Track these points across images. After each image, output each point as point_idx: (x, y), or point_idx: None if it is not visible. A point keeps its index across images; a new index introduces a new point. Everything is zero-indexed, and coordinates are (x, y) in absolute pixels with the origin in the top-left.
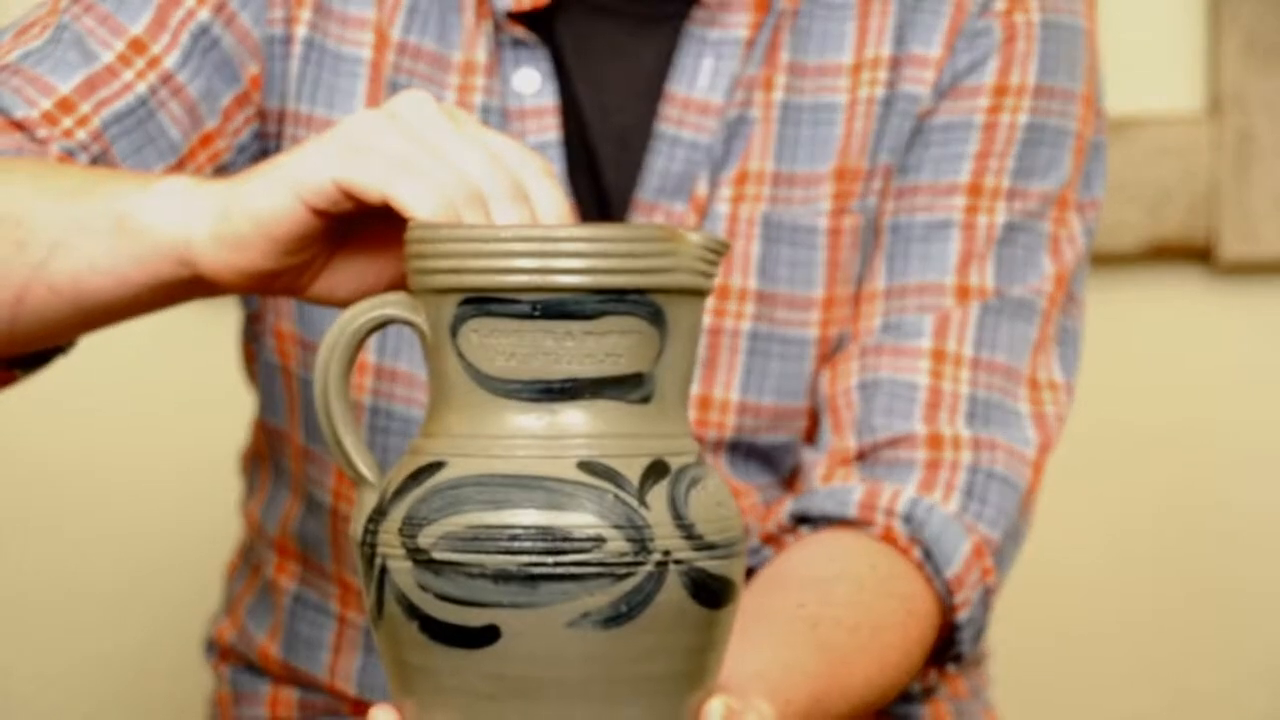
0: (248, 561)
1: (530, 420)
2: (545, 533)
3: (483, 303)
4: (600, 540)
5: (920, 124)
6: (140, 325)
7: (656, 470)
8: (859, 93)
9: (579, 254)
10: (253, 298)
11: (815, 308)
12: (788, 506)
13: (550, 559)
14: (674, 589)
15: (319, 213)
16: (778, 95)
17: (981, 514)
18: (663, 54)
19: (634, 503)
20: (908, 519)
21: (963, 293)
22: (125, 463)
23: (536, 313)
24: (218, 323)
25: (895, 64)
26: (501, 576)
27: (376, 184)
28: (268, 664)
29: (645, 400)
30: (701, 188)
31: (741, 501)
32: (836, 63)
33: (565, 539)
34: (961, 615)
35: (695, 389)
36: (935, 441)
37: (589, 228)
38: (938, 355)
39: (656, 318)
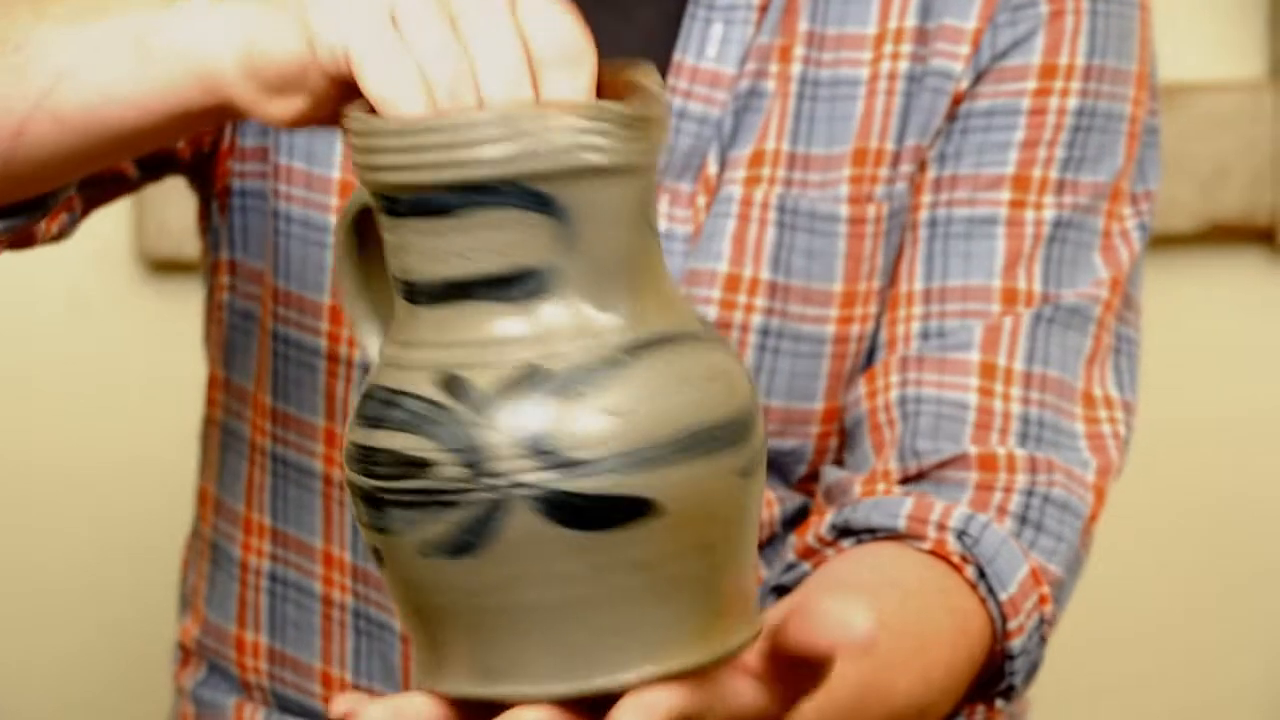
0: (200, 547)
1: (411, 328)
2: (391, 456)
3: (381, 199)
4: (428, 465)
5: (958, 109)
6: (101, 310)
7: (522, 380)
8: (880, 66)
9: (436, 146)
10: (216, 245)
11: (833, 302)
12: (828, 518)
13: (393, 484)
14: (523, 514)
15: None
16: (795, 68)
17: (1036, 541)
18: (668, 19)
19: (475, 420)
20: (961, 534)
21: (1009, 297)
22: (87, 453)
23: (402, 210)
24: (182, 302)
25: (922, 36)
26: (367, 500)
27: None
28: (245, 657)
29: (537, 297)
30: (711, 166)
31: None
32: (858, 33)
33: (406, 463)
34: (1015, 643)
35: None
36: (988, 462)
37: (450, 114)
38: (986, 370)
39: (545, 205)
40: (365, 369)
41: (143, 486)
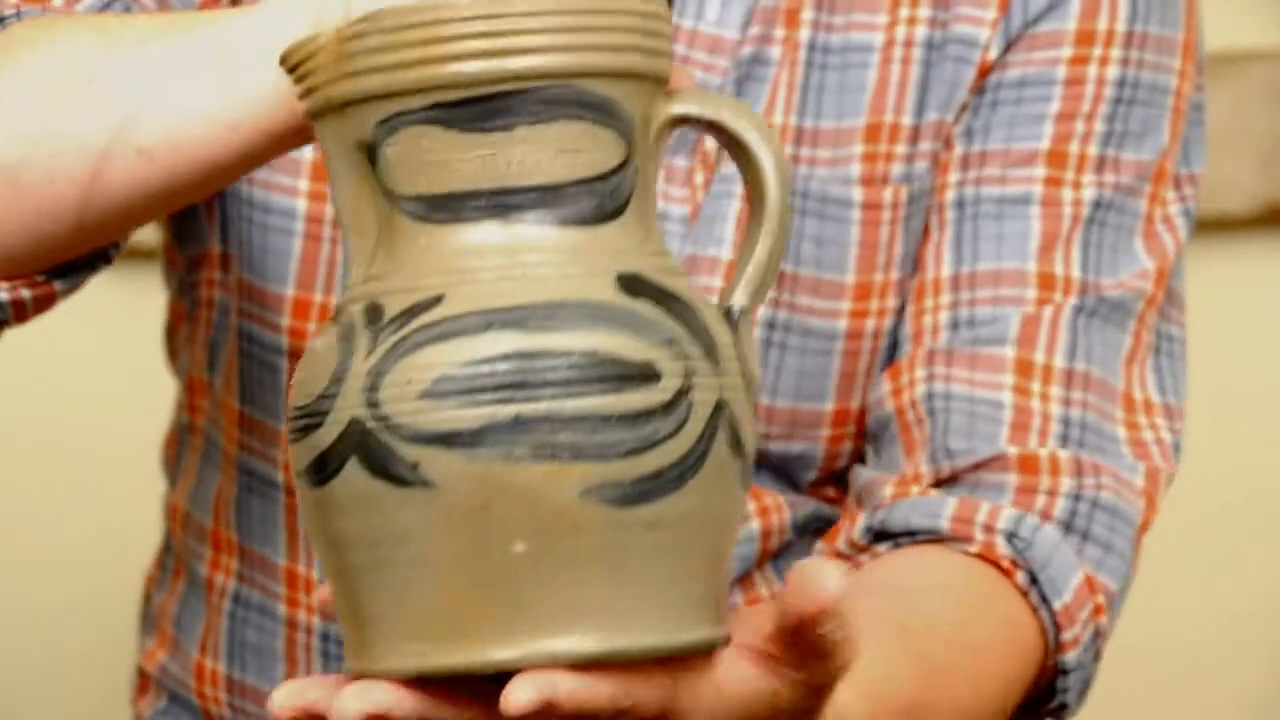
0: (169, 564)
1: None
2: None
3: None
4: (312, 391)
5: (986, 80)
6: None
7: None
8: (896, 32)
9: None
10: (198, 236)
11: (845, 295)
12: (861, 521)
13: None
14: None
15: None
16: (803, 33)
17: (1083, 550)
18: None
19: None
20: (1011, 537)
21: (1046, 282)
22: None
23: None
24: (141, 295)
25: None
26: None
27: None
28: (204, 686)
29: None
30: (710, 139)
31: (765, 502)
32: None
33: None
34: (1069, 657)
35: None
36: (1029, 463)
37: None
38: (1023, 367)
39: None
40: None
41: (100, 497)
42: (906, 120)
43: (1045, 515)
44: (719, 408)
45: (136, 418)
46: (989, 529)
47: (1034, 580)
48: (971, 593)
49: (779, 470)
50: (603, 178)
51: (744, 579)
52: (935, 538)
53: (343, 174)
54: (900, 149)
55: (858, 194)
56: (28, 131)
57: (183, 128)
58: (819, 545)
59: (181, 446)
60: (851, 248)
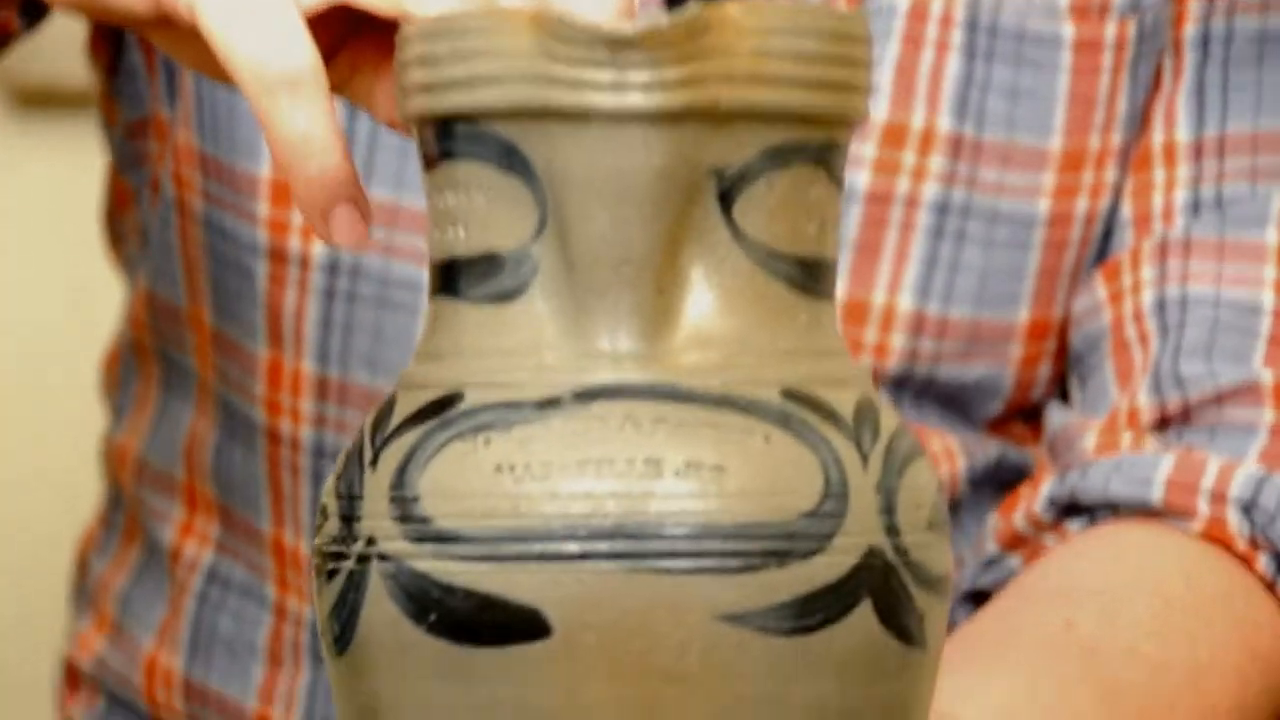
0: (117, 523)
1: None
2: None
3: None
4: (325, 515)
5: None
6: None
7: (434, 408)
8: None
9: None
10: (138, 95)
11: (1048, 166)
12: (1045, 489)
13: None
14: (379, 595)
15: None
16: None
17: None
18: None
19: (360, 466)
20: (1249, 507)
21: None
22: None
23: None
24: (61, 147)
25: None
26: None
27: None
28: (156, 691)
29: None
30: None
31: (930, 448)
32: None
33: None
34: None
35: (841, 290)
36: None
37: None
38: None
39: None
40: (330, 270)
41: (14, 425)
42: None
43: None
44: None
45: (69, 315)
46: (1218, 498)
47: None
48: (1194, 591)
49: (951, 400)
50: None
51: None
52: (1145, 511)
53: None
54: None
55: (1068, 29)
56: None
57: None
58: (991, 522)
59: (126, 370)
60: (1059, 102)
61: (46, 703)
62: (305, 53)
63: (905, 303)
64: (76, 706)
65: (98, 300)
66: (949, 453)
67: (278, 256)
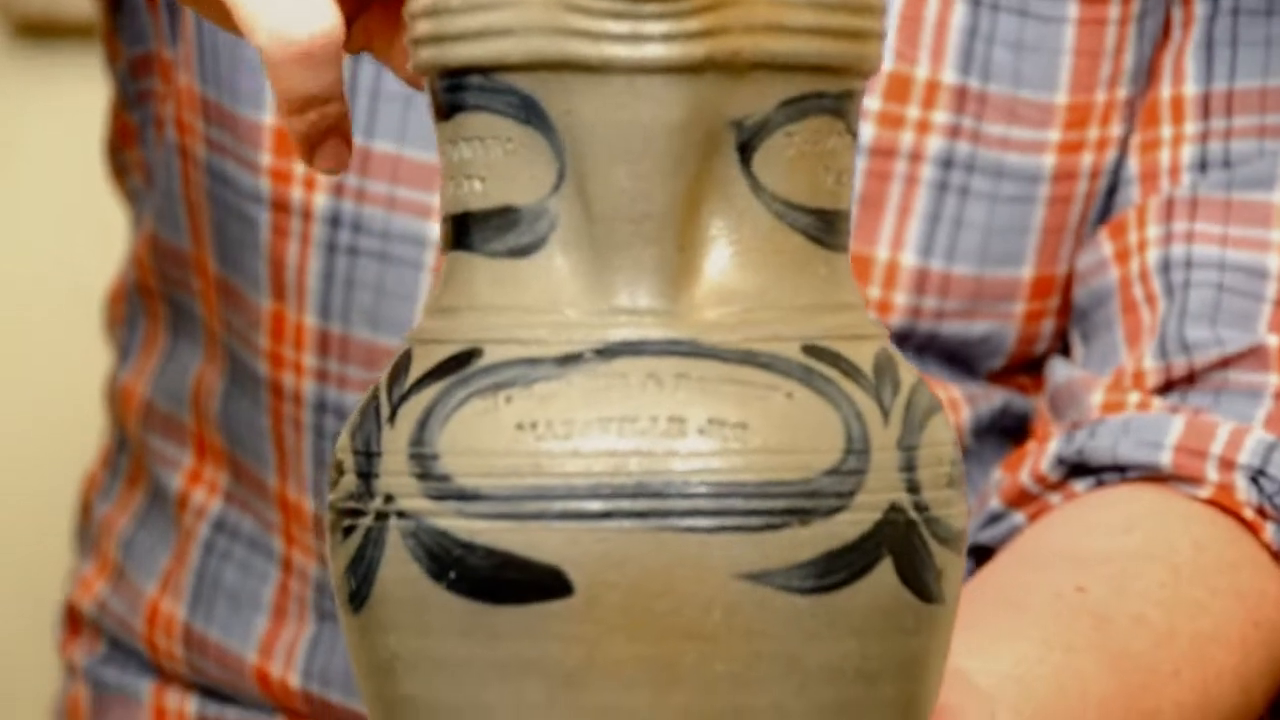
0: (122, 466)
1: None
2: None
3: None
4: (341, 470)
5: None
6: None
7: (441, 367)
8: None
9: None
10: (141, 33)
11: (1053, 121)
12: (1052, 447)
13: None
14: (397, 553)
15: None
16: None
17: None
18: None
19: (378, 422)
20: (1257, 476)
21: None
22: None
23: None
24: (60, 79)
25: None
26: None
27: None
28: (156, 637)
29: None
30: None
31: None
32: None
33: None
34: None
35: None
36: None
37: None
38: None
39: None
40: (332, 223)
41: (13, 362)
42: None
43: None
44: None
45: (73, 250)
46: (1227, 464)
47: None
48: (1200, 558)
49: (953, 356)
50: None
51: None
52: (1153, 475)
53: None
54: None
55: None
56: None
57: None
58: (995, 477)
59: (132, 309)
60: (1065, 55)
61: (48, 647)
62: (329, 16)
63: (908, 260)
64: (78, 650)
65: (101, 233)
66: (953, 403)
67: (280, 206)
